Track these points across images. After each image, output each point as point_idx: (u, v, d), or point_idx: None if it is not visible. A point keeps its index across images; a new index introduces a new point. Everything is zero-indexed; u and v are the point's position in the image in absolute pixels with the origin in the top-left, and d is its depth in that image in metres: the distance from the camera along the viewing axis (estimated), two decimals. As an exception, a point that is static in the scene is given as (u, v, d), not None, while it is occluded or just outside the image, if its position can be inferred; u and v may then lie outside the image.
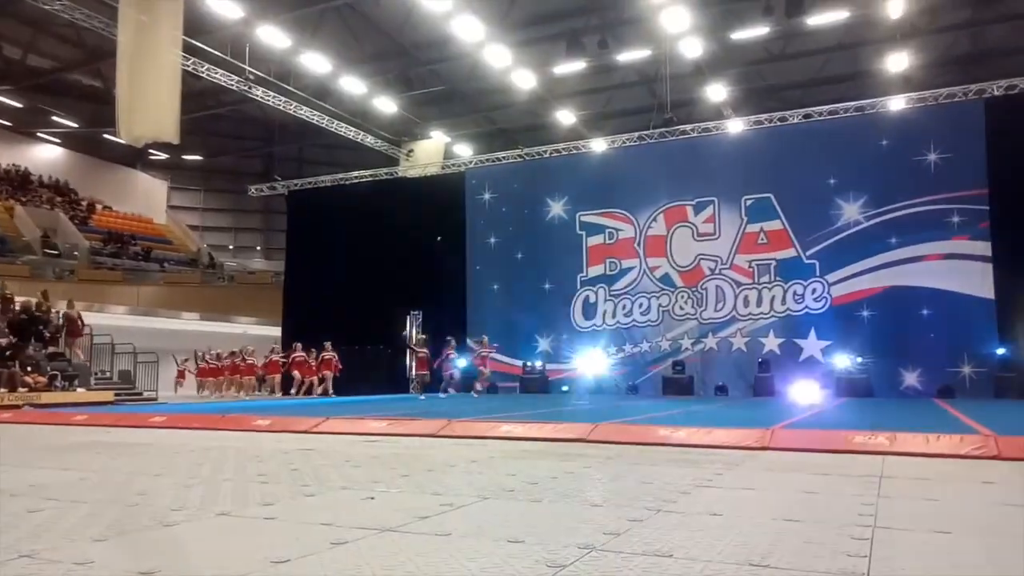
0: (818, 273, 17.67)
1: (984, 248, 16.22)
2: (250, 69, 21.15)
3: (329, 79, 23.13)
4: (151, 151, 36.02)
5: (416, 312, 20.90)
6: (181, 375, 24.06)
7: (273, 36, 20.20)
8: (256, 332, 27.53)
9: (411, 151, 25.88)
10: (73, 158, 37.70)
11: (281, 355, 20.78)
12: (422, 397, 16.87)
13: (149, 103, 15.42)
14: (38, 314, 17.18)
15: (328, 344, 19.54)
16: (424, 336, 19.40)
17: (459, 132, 28.66)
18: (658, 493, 4.08)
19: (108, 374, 19.13)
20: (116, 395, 17.08)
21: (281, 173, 27.10)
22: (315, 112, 24.21)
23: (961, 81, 18.04)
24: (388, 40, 23.76)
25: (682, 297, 18.98)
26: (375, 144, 27.24)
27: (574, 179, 20.66)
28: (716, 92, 23.43)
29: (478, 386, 17.94)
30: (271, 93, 22.61)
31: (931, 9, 19.93)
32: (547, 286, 20.34)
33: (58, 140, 36.70)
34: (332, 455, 6.18)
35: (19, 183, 34.98)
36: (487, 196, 21.50)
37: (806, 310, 17.74)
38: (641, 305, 19.32)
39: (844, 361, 16.90)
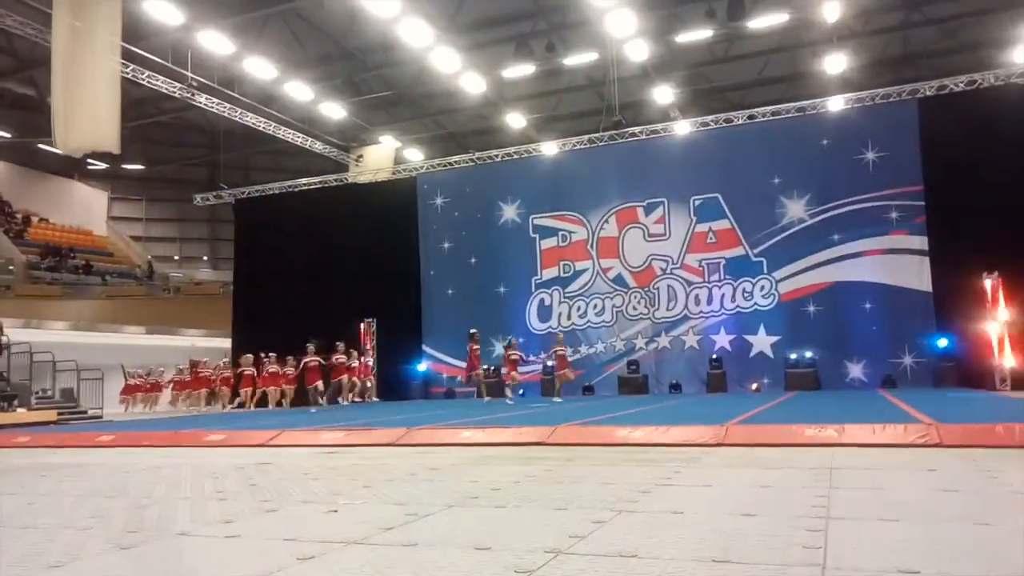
0: (766, 271, 18.13)
1: (921, 243, 16.87)
2: (192, 76, 20.66)
3: (274, 85, 22.75)
4: (89, 161, 34.79)
5: (370, 320, 20.72)
6: (133, 390, 22.33)
7: (216, 42, 19.77)
8: (204, 344, 26.91)
9: (360, 157, 25.63)
10: (6, 169, 36.20)
11: (283, 363, 17.72)
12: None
13: (87, 112, 14.92)
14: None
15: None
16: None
17: (409, 137, 28.49)
18: (620, 493, 4.14)
19: (50, 392, 18.45)
20: (59, 414, 16.49)
21: (227, 181, 26.44)
22: (261, 119, 23.79)
23: (895, 82, 18.74)
24: (334, 44, 23.48)
25: (635, 297, 19.24)
26: (324, 150, 26.90)
27: (526, 182, 20.77)
28: (663, 94, 23.81)
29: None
30: (215, 100, 22.13)
31: (865, 12, 20.62)
32: (502, 289, 20.40)
33: (-11, 151, 35.25)
34: (290, 469, 6.10)
35: (-52, 196, 33.49)
36: (439, 201, 21.46)
37: (755, 307, 18.16)
38: (595, 306, 19.52)
39: (793, 356, 17.36)
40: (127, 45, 17.21)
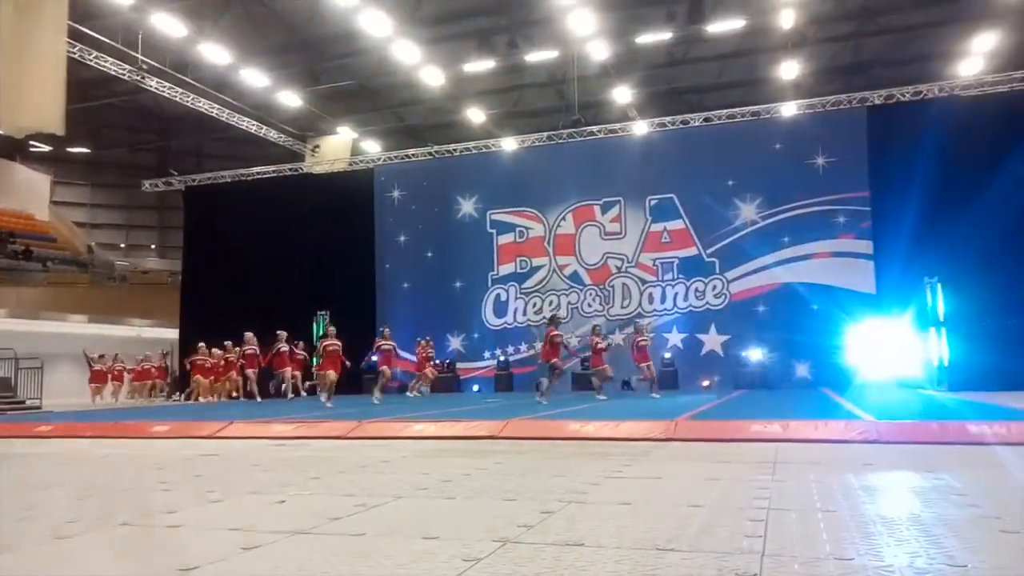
0: (718, 271, 18.46)
1: (866, 246, 17.39)
2: (143, 58, 20.09)
3: (229, 71, 22.27)
4: (32, 143, 33.60)
5: (323, 312, 20.43)
6: (101, 377, 19.97)
7: (168, 24, 19.27)
8: (151, 335, 26.25)
9: (317, 147, 25.27)
10: (-58, 149, 34.70)
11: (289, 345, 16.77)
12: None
13: (32, 92, 14.34)
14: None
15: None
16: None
17: (367, 128, 28.18)
18: (569, 485, 4.18)
19: (-15, 382, 17.82)
20: (-5, 404, 15.92)
21: (177, 168, 25.76)
22: (214, 105, 23.25)
23: (845, 90, 19.26)
24: (292, 33, 23.08)
25: (590, 294, 19.40)
26: (279, 139, 26.44)
27: (484, 178, 20.74)
28: (622, 94, 24.04)
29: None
30: (166, 84, 21.56)
31: (818, 21, 21.13)
32: (458, 284, 20.35)
33: (-76, 129, 33.69)
34: (238, 460, 6.00)
35: None
36: (396, 194, 21.28)
37: (707, 306, 18.49)
38: (551, 303, 19.61)
39: (743, 354, 17.73)
40: (75, 24, 16.65)
